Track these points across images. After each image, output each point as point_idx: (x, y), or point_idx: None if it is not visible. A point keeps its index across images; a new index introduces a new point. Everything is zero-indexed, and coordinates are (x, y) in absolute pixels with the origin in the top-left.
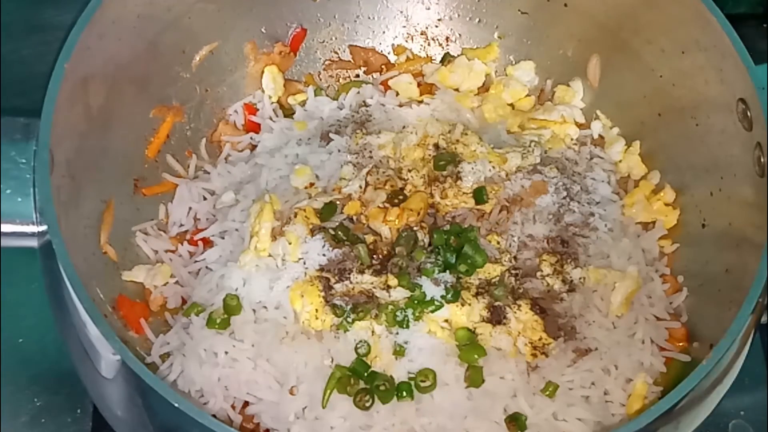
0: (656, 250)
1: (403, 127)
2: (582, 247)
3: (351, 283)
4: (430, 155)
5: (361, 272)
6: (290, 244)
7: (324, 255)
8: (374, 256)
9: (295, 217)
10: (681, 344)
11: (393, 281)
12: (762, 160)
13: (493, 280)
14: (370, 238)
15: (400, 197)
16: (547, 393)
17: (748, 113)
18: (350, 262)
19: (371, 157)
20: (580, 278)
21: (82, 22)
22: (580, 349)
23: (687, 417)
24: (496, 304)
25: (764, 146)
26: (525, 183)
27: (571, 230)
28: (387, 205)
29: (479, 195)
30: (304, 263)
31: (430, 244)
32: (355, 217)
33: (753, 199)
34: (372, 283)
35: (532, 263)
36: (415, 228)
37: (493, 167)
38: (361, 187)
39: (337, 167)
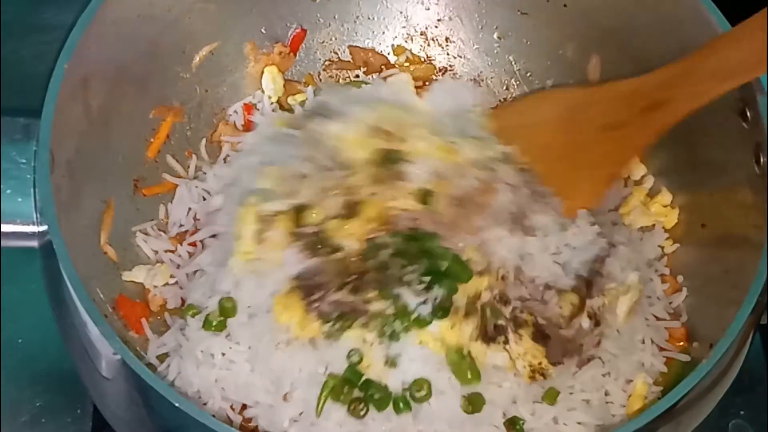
0: (656, 251)
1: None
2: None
3: (330, 300)
4: (376, 151)
5: (339, 290)
6: (270, 249)
7: (301, 263)
8: (350, 271)
9: (274, 221)
10: (681, 344)
11: (373, 294)
12: (762, 160)
13: (482, 296)
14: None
15: (355, 205)
16: (548, 400)
17: (748, 114)
18: (326, 275)
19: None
20: (599, 307)
21: (82, 23)
22: (583, 360)
23: (687, 416)
24: (496, 323)
25: (764, 146)
26: (476, 181)
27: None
28: (345, 213)
29: (425, 197)
30: (285, 270)
31: (400, 251)
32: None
33: (753, 200)
34: (352, 301)
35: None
36: (379, 236)
37: (443, 162)
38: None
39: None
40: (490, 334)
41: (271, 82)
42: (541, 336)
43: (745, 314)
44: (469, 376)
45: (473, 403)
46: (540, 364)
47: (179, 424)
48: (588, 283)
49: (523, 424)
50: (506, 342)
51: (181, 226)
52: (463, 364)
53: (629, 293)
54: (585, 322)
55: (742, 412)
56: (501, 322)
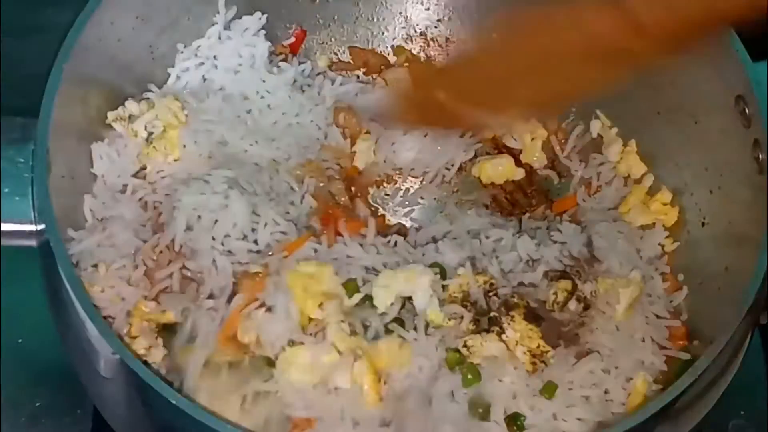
0: (657, 250)
1: None
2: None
3: None
4: None
5: None
6: None
7: None
8: None
9: None
10: (681, 342)
11: None
12: (761, 157)
13: (471, 289)
14: None
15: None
16: (546, 393)
17: (747, 111)
18: None
19: None
20: (591, 292)
21: (80, 23)
22: (581, 352)
23: (685, 415)
24: (489, 316)
25: (763, 143)
26: None
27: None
28: None
29: None
30: None
31: None
32: None
33: (752, 197)
34: None
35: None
36: None
37: None
38: None
39: None
40: (483, 327)
41: None
42: (533, 317)
43: (744, 309)
44: (470, 377)
45: (480, 408)
46: (538, 347)
47: (179, 423)
48: (576, 271)
49: (524, 420)
50: (502, 332)
51: None
52: (462, 368)
53: (630, 287)
54: (572, 304)
55: (742, 412)
56: (493, 313)
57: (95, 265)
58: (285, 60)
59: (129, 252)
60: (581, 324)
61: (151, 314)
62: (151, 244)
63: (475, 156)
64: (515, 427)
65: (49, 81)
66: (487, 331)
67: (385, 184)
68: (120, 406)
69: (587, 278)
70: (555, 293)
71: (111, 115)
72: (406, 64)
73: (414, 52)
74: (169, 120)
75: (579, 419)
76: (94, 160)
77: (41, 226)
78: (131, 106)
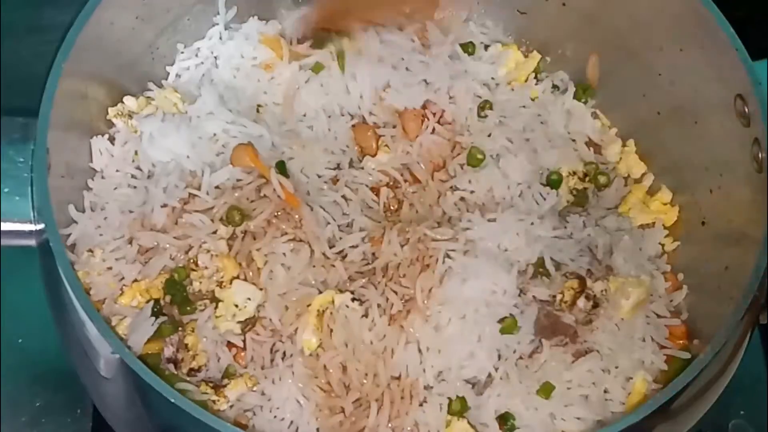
0: (657, 249)
1: None
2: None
3: None
4: None
5: None
6: None
7: None
8: None
9: None
10: (681, 342)
11: None
12: (760, 156)
13: None
14: None
15: None
16: (542, 394)
17: (746, 109)
18: None
19: None
20: (602, 291)
21: (79, 23)
22: (580, 351)
23: (685, 413)
24: None
25: (762, 142)
26: None
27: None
28: None
29: None
30: None
31: None
32: None
33: (752, 196)
34: None
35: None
36: None
37: None
38: None
39: None
40: None
41: None
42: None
43: (743, 307)
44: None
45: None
46: None
47: (178, 422)
48: (588, 269)
49: (514, 420)
50: None
51: None
52: None
53: (641, 288)
54: (581, 301)
55: (742, 412)
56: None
57: (90, 250)
58: None
59: (123, 234)
60: (588, 321)
61: (142, 284)
62: (138, 217)
63: None
64: (506, 427)
65: (48, 80)
66: None
67: None
68: (120, 406)
69: (598, 276)
70: (562, 292)
71: (111, 111)
72: None
73: None
74: (169, 110)
75: (578, 418)
76: (93, 154)
77: (41, 226)
78: (130, 102)
